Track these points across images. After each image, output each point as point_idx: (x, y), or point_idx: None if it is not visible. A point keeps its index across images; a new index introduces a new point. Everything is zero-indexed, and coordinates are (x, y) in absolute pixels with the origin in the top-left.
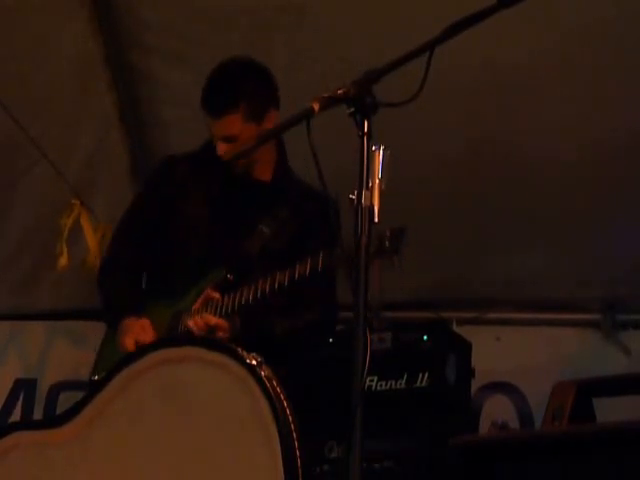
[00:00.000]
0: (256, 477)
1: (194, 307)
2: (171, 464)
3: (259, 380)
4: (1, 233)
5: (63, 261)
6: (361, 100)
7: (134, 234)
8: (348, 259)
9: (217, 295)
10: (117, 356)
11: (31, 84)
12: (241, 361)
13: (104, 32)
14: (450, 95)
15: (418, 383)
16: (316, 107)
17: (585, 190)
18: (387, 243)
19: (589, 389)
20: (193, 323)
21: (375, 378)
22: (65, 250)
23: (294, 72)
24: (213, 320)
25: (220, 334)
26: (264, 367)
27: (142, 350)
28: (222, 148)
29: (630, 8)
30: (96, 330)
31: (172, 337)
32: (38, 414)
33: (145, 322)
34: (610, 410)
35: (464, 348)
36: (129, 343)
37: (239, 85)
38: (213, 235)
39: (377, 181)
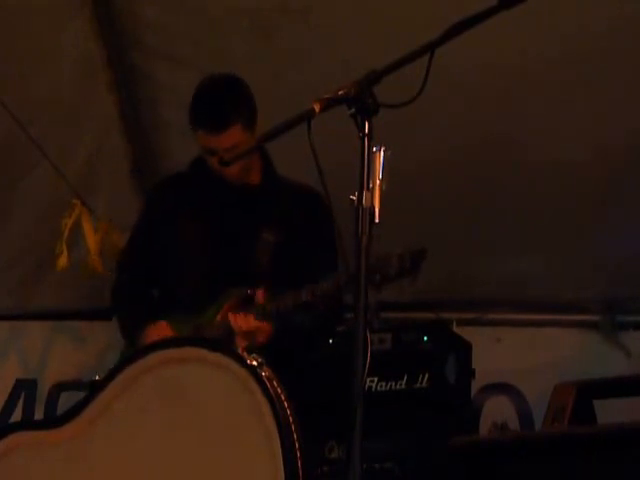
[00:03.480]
0: (257, 477)
1: (216, 319)
2: (172, 464)
3: (260, 381)
4: (1, 233)
5: (63, 261)
6: (362, 101)
7: (136, 262)
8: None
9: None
10: None
11: (32, 84)
12: (242, 362)
13: (105, 33)
14: (451, 96)
15: (418, 384)
16: (317, 108)
17: (585, 191)
18: (408, 264)
19: (589, 391)
20: (234, 320)
21: (375, 379)
22: (65, 250)
23: (295, 73)
24: (254, 322)
25: (259, 338)
26: (265, 368)
27: (143, 350)
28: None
29: (632, 8)
30: (97, 330)
31: (173, 338)
32: (39, 414)
33: (162, 324)
34: (610, 411)
35: (464, 349)
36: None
37: (236, 98)
38: (218, 248)
39: (378, 182)
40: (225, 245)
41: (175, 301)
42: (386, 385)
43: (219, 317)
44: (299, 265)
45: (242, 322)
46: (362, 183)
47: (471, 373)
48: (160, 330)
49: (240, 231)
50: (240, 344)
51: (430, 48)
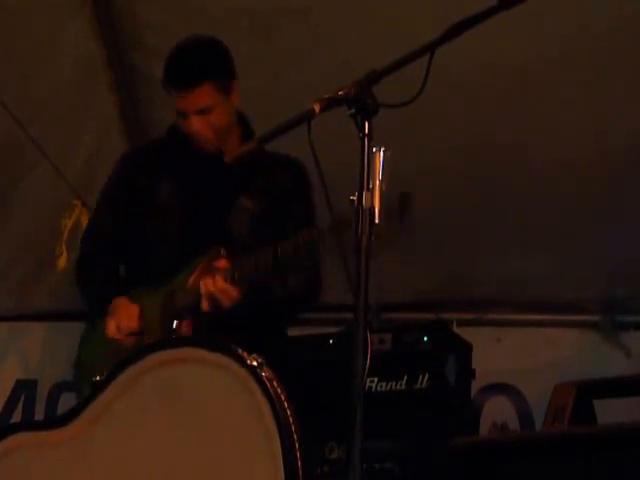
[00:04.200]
0: (257, 477)
1: (189, 283)
2: (172, 464)
3: (260, 381)
4: (2, 233)
5: (62, 262)
6: (362, 101)
7: (104, 230)
8: (338, 229)
9: (223, 263)
10: (97, 354)
11: (32, 84)
12: (242, 362)
13: (105, 33)
14: (451, 96)
15: (418, 384)
16: (317, 108)
17: (585, 191)
18: (396, 204)
19: (589, 391)
20: (203, 282)
21: (375, 379)
22: (65, 251)
23: (295, 73)
24: (221, 284)
25: (225, 302)
26: (265, 368)
27: (143, 351)
28: (197, 122)
29: (632, 8)
30: None
31: (173, 338)
32: (39, 415)
33: (134, 308)
34: (610, 411)
35: (464, 349)
36: (110, 326)
37: (208, 56)
38: (194, 216)
39: (378, 182)
40: (201, 213)
41: (148, 272)
42: (386, 385)
43: (191, 281)
44: (277, 232)
45: (209, 284)
46: (362, 183)
47: (471, 373)
48: (126, 314)
49: (217, 199)
50: (205, 307)
51: (430, 48)
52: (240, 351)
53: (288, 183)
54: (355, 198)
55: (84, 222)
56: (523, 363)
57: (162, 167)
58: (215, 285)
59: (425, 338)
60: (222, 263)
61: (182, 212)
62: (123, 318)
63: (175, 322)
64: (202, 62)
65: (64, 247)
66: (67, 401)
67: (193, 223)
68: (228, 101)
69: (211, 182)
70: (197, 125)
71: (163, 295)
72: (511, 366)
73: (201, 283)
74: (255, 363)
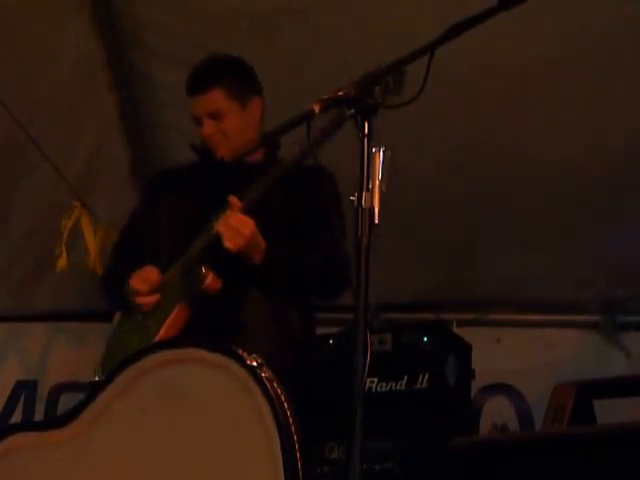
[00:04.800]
0: (256, 478)
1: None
2: (172, 464)
3: (260, 381)
4: (2, 234)
5: (62, 263)
6: (361, 101)
7: (131, 245)
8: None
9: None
10: (122, 353)
11: (32, 85)
12: (242, 362)
13: (105, 33)
14: (451, 96)
15: (418, 384)
16: (316, 109)
17: (585, 191)
18: (391, 82)
19: (589, 391)
20: (218, 222)
21: (375, 379)
22: (64, 252)
23: (295, 73)
24: (235, 217)
25: (245, 231)
26: (264, 368)
27: (143, 352)
28: (209, 127)
29: (632, 8)
30: (97, 331)
31: (173, 339)
32: (39, 415)
33: (154, 268)
34: (611, 411)
35: (464, 349)
36: (134, 282)
37: (222, 64)
38: (200, 221)
39: (377, 182)
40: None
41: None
42: (386, 386)
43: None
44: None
45: (224, 217)
46: (362, 184)
47: (471, 374)
48: (144, 271)
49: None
50: (226, 243)
51: (430, 48)
52: (240, 351)
53: (302, 189)
54: (355, 198)
55: (84, 223)
56: (523, 363)
57: (183, 182)
58: (234, 217)
59: (425, 338)
60: (233, 201)
61: (191, 223)
62: (144, 272)
63: (202, 269)
64: (214, 69)
65: (64, 248)
66: (67, 402)
67: (197, 228)
68: (244, 112)
69: (222, 189)
70: (208, 129)
71: (178, 269)
72: (511, 366)
73: (216, 224)
74: (255, 364)
